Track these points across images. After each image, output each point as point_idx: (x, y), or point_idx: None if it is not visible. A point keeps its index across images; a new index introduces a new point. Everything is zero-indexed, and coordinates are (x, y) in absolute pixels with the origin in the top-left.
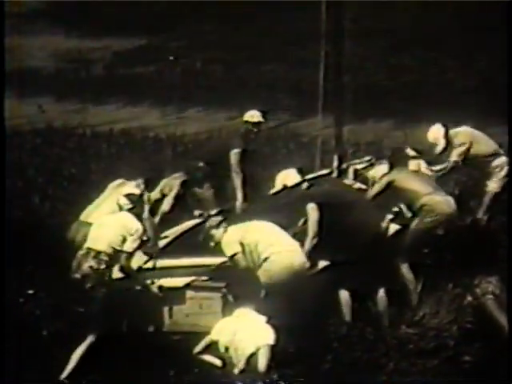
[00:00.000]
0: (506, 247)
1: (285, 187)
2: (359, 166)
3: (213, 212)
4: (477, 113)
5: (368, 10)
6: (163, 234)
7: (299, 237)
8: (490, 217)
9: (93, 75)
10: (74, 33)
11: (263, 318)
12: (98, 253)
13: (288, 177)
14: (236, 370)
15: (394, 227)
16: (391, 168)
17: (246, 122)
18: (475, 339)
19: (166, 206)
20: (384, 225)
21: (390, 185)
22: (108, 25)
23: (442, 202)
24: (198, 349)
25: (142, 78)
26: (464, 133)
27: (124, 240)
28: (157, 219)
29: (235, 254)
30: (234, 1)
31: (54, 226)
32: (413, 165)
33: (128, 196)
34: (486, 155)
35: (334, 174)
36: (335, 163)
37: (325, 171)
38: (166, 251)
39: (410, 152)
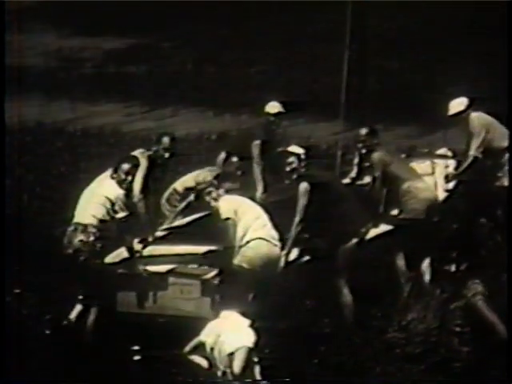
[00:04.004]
0: (490, 250)
1: None
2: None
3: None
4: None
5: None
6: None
7: None
8: (475, 220)
9: (83, 74)
10: (64, 31)
11: (246, 321)
12: (85, 226)
13: None
14: (219, 372)
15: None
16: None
17: (267, 113)
18: (464, 343)
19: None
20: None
21: (384, 168)
22: (99, 24)
23: (425, 189)
24: (187, 349)
25: (132, 77)
26: (480, 119)
27: (107, 210)
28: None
29: (228, 219)
30: (227, 1)
31: (42, 225)
32: (426, 166)
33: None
34: (500, 148)
35: (354, 172)
36: (356, 160)
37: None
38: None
39: (447, 152)
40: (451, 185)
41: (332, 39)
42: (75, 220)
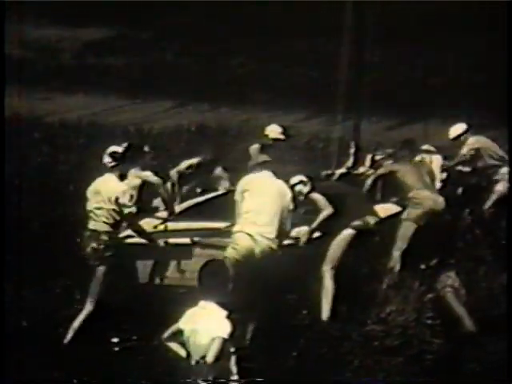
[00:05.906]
0: (466, 241)
1: None
2: (378, 157)
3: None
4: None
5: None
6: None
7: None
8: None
9: (62, 65)
10: (43, 22)
11: (223, 312)
12: (99, 233)
13: None
14: (192, 361)
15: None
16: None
17: (266, 136)
18: (439, 336)
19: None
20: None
21: (392, 174)
22: (78, 14)
23: (429, 198)
24: (165, 335)
25: (111, 68)
26: (479, 140)
27: (115, 211)
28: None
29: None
30: None
31: (20, 218)
32: (419, 157)
33: (112, 154)
34: (493, 165)
35: (350, 162)
36: (352, 150)
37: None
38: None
39: (429, 148)
40: (444, 175)
41: (315, 32)
42: (90, 226)
